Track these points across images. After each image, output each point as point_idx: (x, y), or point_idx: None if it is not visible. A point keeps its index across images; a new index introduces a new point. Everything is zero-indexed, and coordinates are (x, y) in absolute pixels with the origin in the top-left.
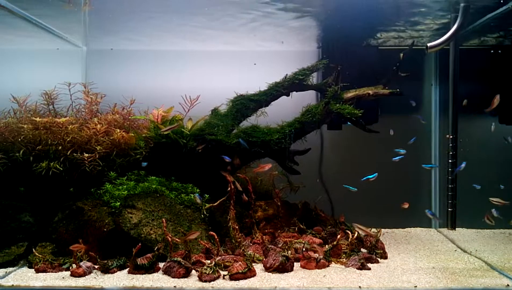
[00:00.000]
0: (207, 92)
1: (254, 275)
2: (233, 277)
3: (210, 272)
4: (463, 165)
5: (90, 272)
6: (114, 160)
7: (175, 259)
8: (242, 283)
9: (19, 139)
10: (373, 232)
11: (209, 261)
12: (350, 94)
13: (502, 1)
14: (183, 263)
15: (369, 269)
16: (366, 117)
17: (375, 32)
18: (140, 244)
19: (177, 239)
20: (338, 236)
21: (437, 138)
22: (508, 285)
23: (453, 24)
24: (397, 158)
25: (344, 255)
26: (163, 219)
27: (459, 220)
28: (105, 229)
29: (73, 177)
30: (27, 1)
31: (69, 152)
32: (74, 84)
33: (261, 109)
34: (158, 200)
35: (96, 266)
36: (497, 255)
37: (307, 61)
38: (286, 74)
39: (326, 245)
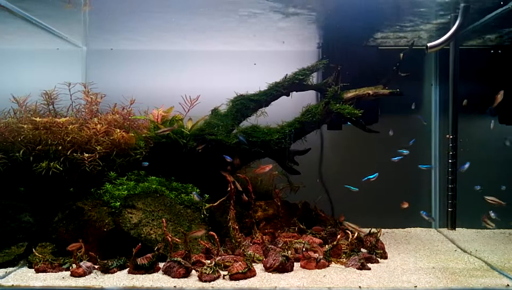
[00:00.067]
0: (207, 92)
1: (254, 275)
2: (233, 277)
3: (210, 272)
4: (466, 165)
5: (90, 272)
6: (114, 160)
7: (175, 259)
8: (242, 283)
9: (19, 139)
10: (373, 232)
11: (209, 261)
12: (350, 94)
13: (502, 1)
14: (183, 263)
15: (369, 269)
16: (366, 117)
17: (375, 32)
18: (140, 244)
19: (177, 239)
20: (338, 236)
21: (437, 138)
22: (508, 285)
23: (453, 24)
24: (396, 158)
25: (344, 255)
26: (163, 219)
27: (459, 220)
28: (105, 229)
29: (73, 177)
30: (27, 1)
31: (69, 152)
32: (74, 84)
33: (261, 109)
34: (158, 200)
35: (96, 266)
36: (497, 255)
37: (307, 61)
38: (286, 74)
39: (326, 245)
